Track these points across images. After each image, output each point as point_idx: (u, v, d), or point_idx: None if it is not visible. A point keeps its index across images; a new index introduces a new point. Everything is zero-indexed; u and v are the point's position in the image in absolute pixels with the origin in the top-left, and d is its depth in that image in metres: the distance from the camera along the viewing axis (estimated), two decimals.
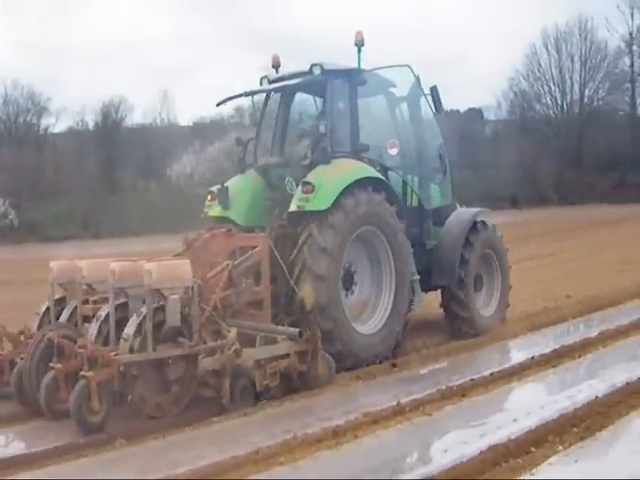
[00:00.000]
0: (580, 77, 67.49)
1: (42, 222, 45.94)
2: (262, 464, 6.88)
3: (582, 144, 63.33)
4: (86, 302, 9.41)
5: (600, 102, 68.57)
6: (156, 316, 8.47)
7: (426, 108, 12.48)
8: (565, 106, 67.78)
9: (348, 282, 11.03)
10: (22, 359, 9.08)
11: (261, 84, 12.03)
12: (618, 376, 9.28)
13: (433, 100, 12.26)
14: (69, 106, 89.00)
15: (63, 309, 9.72)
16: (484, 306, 12.87)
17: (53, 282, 9.87)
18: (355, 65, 11.57)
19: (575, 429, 7.47)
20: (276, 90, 12.05)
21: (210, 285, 9.31)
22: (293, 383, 9.36)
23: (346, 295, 10.91)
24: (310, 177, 10.56)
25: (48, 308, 9.80)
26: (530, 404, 8.48)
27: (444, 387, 9.08)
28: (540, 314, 13.93)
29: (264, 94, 12.29)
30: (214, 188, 11.62)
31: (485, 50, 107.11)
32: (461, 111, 61.35)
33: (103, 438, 7.86)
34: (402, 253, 11.27)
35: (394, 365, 10.48)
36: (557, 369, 10.05)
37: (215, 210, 11.50)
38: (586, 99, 67.89)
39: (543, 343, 11.60)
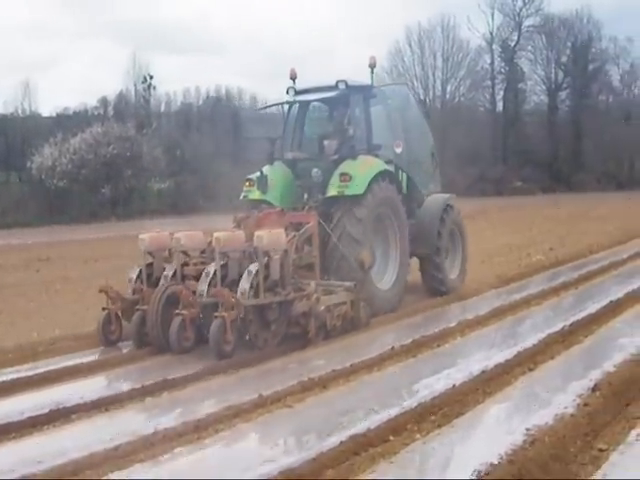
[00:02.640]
0: (442, 74, 69.43)
1: None
2: (122, 461, 6.75)
3: (444, 139, 64.98)
4: (186, 264, 11.65)
5: (461, 98, 70.60)
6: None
7: (419, 115, 16.48)
8: (428, 102, 69.36)
9: None
10: (137, 310, 11.26)
11: (287, 93, 14.38)
12: (475, 364, 9.57)
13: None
14: None
15: (151, 272, 11.84)
16: (449, 270, 15.84)
17: (145, 250, 11.91)
18: (368, 82, 14.42)
19: (433, 417, 7.65)
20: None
21: None
22: (346, 325, 11.85)
23: None
24: (345, 169, 13.18)
25: (140, 271, 11.83)
26: (390, 394, 8.63)
27: (306, 379, 9.13)
28: (402, 304, 14.19)
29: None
30: (252, 176, 13.90)
31: (349, 46, 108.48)
32: None
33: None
34: (404, 227, 14.19)
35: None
36: (417, 359, 10.25)
37: (255, 194, 13.83)
38: (448, 95, 69.84)
39: (403, 333, 11.80)
